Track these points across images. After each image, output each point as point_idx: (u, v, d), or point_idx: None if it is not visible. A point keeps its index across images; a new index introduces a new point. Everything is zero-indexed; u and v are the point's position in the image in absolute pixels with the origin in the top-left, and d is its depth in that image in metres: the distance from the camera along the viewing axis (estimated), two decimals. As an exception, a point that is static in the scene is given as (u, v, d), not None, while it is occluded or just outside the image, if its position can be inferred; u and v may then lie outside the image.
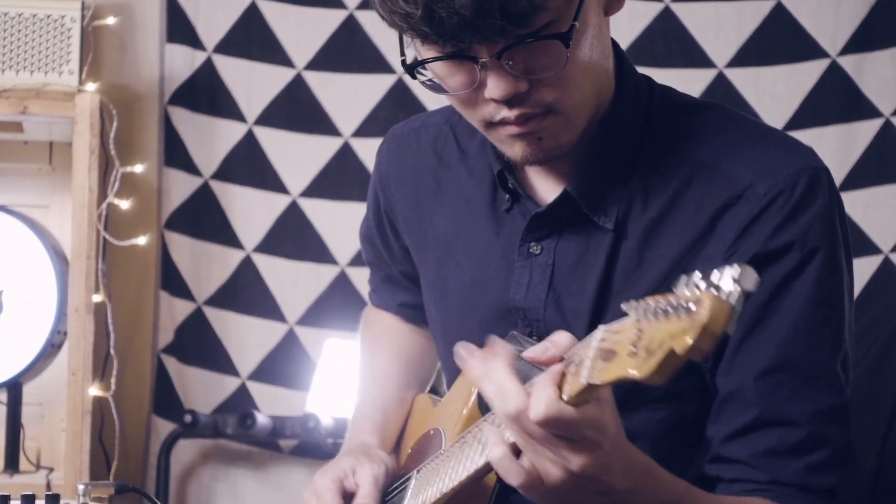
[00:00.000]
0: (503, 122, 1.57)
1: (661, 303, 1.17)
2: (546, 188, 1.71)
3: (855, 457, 1.61)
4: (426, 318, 1.98)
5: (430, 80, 1.57)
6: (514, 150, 1.62)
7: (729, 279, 1.13)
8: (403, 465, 1.88)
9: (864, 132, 3.44)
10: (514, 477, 1.40)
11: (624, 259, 1.65)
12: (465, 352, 1.45)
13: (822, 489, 1.57)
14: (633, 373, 1.19)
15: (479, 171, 1.80)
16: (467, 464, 1.54)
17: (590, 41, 1.55)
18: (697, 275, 1.16)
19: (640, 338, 1.19)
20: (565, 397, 1.31)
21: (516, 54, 1.50)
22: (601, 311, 1.66)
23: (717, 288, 1.14)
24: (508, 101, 1.54)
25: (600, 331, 1.29)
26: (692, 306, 1.13)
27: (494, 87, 1.53)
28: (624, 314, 1.62)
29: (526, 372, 1.69)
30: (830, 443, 1.57)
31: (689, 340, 1.13)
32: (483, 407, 1.70)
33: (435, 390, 2.09)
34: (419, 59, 1.55)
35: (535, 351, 1.40)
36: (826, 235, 1.59)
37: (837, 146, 3.42)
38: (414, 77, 1.57)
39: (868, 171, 3.41)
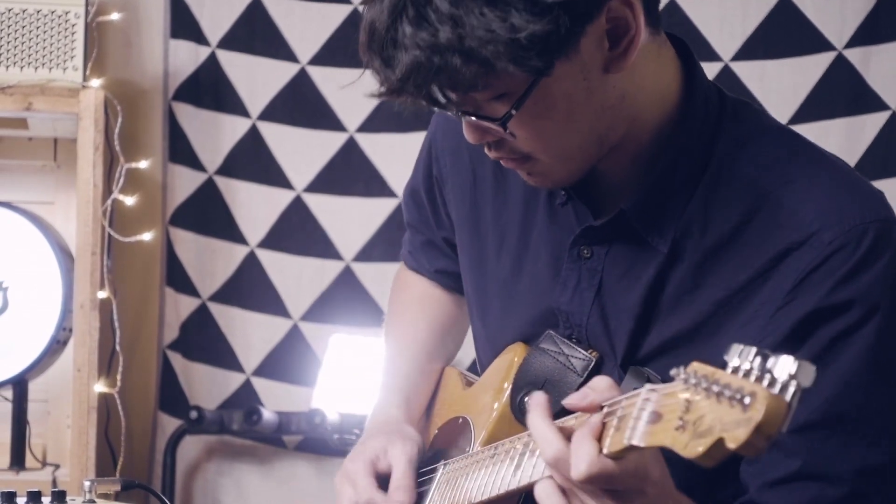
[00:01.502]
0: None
1: (712, 380, 1.14)
2: (600, 192, 1.66)
3: None
4: (461, 286, 1.94)
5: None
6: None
7: (786, 371, 1.09)
8: (430, 445, 1.88)
9: (870, 125, 3.43)
10: None
11: (675, 282, 1.60)
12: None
13: None
14: (680, 450, 1.16)
15: None
16: (499, 482, 1.54)
17: (565, 107, 1.50)
18: (752, 350, 1.12)
19: (688, 411, 1.16)
20: (605, 451, 1.29)
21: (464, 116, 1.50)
22: (645, 329, 1.62)
23: (772, 376, 1.10)
24: (486, 144, 1.54)
25: (646, 389, 1.26)
26: (747, 399, 1.10)
27: (466, 133, 1.54)
28: (662, 345, 1.61)
29: (561, 375, 1.68)
30: (871, 500, 1.53)
31: (742, 437, 1.10)
32: (515, 408, 1.69)
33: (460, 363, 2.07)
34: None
35: (575, 398, 1.38)
36: (888, 293, 1.52)
37: (843, 139, 3.41)
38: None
39: (874, 164, 3.40)
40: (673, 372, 1.20)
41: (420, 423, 1.94)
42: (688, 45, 1.64)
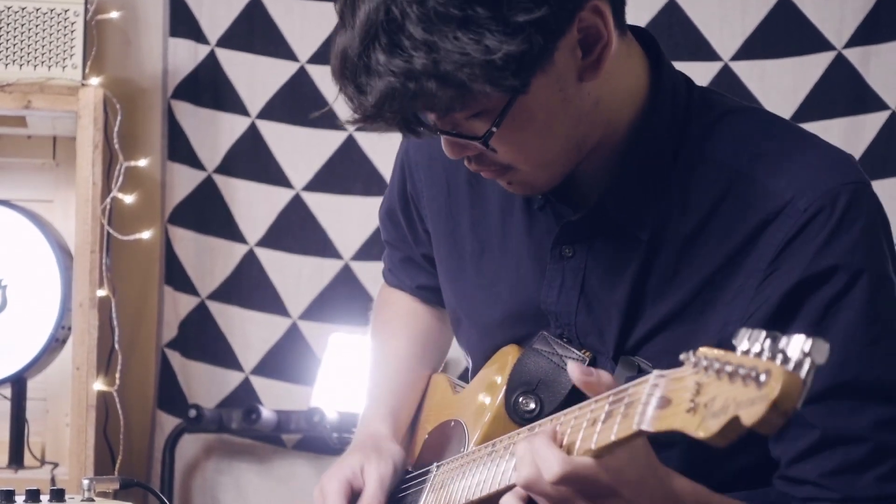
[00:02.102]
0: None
1: (724, 362, 1.14)
2: (579, 192, 1.68)
3: None
4: (442, 300, 1.96)
5: None
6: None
7: (798, 349, 1.09)
8: (420, 450, 1.88)
9: (869, 125, 3.43)
10: None
11: (658, 269, 1.62)
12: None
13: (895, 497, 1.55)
14: (692, 431, 1.16)
15: None
16: (499, 477, 1.54)
17: (543, 118, 1.51)
18: (762, 333, 1.12)
19: (699, 393, 1.16)
20: (615, 437, 1.29)
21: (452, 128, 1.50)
22: (633, 320, 1.63)
23: (785, 355, 1.09)
24: (465, 158, 1.55)
25: (654, 375, 1.26)
26: (762, 377, 1.09)
27: (445, 148, 1.54)
28: (653, 329, 1.62)
29: (554, 375, 1.68)
30: None
31: (759, 414, 1.09)
32: (510, 409, 1.69)
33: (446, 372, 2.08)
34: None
35: (579, 370, 1.39)
36: (870, 254, 1.54)
37: (843, 139, 3.41)
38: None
39: (874, 164, 3.40)
40: (682, 357, 1.20)
41: (406, 434, 1.95)
42: (651, 34, 1.66)
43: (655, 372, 1.26)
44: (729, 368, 1.13)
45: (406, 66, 1.40)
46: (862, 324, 1.53)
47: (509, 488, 1.51)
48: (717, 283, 1.59)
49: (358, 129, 1.55)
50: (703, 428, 1.14)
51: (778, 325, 1.53)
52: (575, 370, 1.39)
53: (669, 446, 1.42)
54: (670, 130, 1.62)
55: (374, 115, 1.45)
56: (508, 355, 1.75)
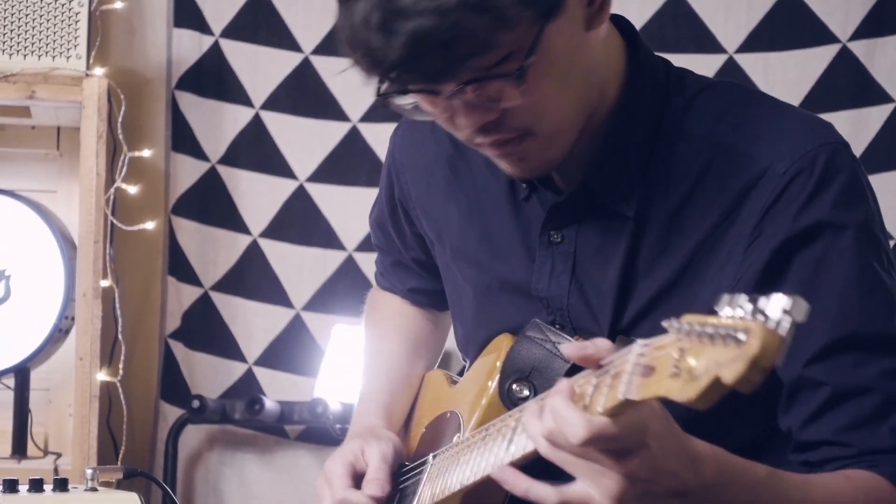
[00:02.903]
0: (483, 145, 1.57)
1: (705, 325, 1.14)
2: (564, 176, 1.69)
3: None
4: (434, 302, 1.99)
5: (410, 105, 1.55)
6: (502, 167, 1.62)
7: (779, 308, 1.10)
8: (417, 445, 1.88)
9: (874, 117, 3.43)
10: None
11: (647, 245, 1.64)
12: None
13: None
14: (675, 395, 1.16)
15: None
16: (492, 458, 1.53)
17: (563, 64, 1.51)
18: (743, 296, 1.13)
19: (682, 358, 1.16)
20: (600, 409, 1.29)
21: (477, 87, 1.47)
22: (625, 299, 1.65)
23: (766, 315, 1.10)
24: (482, 128, 1.53)
25: (638, 344, 1.27)
26: (741, 336, 1.10)
27: (462, 118, 1.52)
28: (646, 306, 1.63)
29: (548, 361, 1.69)
30: None
31: (739, 371, 1.09)
32: (504, 396, 1.69)
33: (444, 369, 2.08)
34: (386, 91, 1.53)
35: (573, 347, 1.38)
36: (852, 209, 1.58)
37: (848, 132, 3.38)
38: (388, 107, 1.56)
39: (878, 157, 3.40)
40: (665, 324, 1.21)
41: (402, 431, 1.96)
42: (628, 20, 1.69)
43: (640, 341, 1.26)
44: (710, 331, 1.13)
45: (438, 3, 1.39)
46: (853, 277, 1.56)
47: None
48: (705, 254, 1.61)
49: (384, 91, 1.51)
50: (685, 392, 1.14)
51: (766, 287, 1.54)
52: (569, 348, 1.39)
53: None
54: (651, 108, 1.65)
55: (400, 65, 1.43)
56: (501, 344, 1.75)
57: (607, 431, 1.29)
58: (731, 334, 1.11)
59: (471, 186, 1.81)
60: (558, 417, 1.32)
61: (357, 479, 1.77)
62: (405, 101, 1.55)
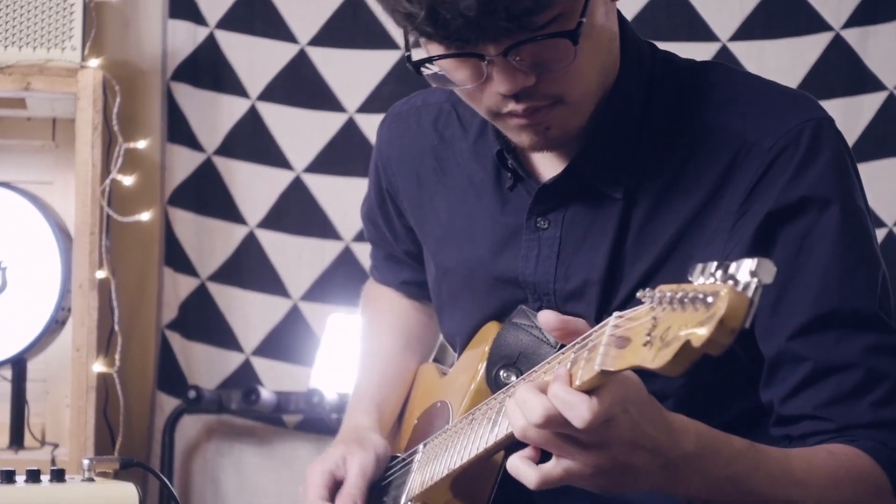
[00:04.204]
0: (511, 114, 1.57)
1: (677, 292, 1.15)
2: (548, 165, 1.71)
3: None
4: (428, 294, 1.98)
5: (435, 73, 1.56)
6: (521, 139, 1.61)
7: (746, 271, 1.11)
8: (410, 436, 1.89)
9: (867, 105, 3.44)
10: (556, 479, 1.39)
11: (635, 227, 1.65)
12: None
13: (894, 421, 1.57)
14: (648, 363, 1.17)
15: (483, 148, 1.79)
16: (477, 441, 1.54)
17: (597, 30, 1.54)
18: (713, 264, 1.14)
19: (656, 326, 1.18)
20: (578, 382, 1.30)
21: (523, 50, 1.48)
22: (613, 281, 1.66)
23: (735, 280, 1.11)
24: (516, 95, 1.53)
25: (614, 317, 1.28)
26: (710, 299, 1.11)
27: (501, 82, 1.52)
28: (635, 289, 1.64)
29: (534, 347, 1.70)
30: (889, 376, 1.57)
31: (706, 333, 1.11)
32: (491, 382, 1.70)
33: (439, 362, 2.09)
34: (425, 55, 1.54)
35: (552, 316, 1.40)
36: (838, 184, 1.59)
37: (841, 120, 3.38)
38: (419, 73, 1.56)
39: (872, 145, 3.41)
40: (639, 294, 1.22)
41: (395, 425, 1.97)
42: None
43: (616, 314, 1.28)
44: (680, 297, 1.14)
45: None
46: (837, 253, 1.57)
47: (488, 451, 1.52)
48: (694, 232, 1.62)
49: (442, 53, 1.51)
50: (658, 359, 1.16)
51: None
52: (547, 315, 1.40)
53: (663, 399, 1.43)
54: (638, 90, 1.66)
55: (476, 20, 1.43)
56: (489, 332, 1.76)
57: (602, 410, 1.30)
58: (700, 298, 1.12)
59: (456, 177, 1.82)
60: (562, 400, 1.32)
61: (336, 487, 1.79)
62: (432, 68, 1.55)
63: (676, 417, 1.42)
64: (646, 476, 1.39)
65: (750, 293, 1.11)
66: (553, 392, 1.32)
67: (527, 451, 1.40)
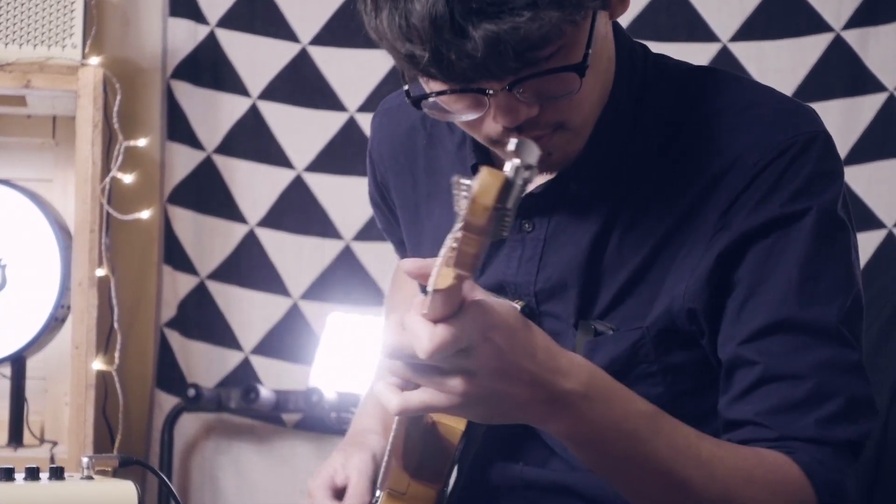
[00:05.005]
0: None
1: (460, 186, 1.14)
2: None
3: (876, 410, 1.57)
4: None
5: (433, 104, 1.54)
6: None
7: (511, 154, 1.11)
8: None
9: (867, 106, 3.43)
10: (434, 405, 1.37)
11: (616, 235, 1.63)
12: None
13: (838, 442, 1.53)
14: (444, 275, 1.18)
15: (464, 156, 1.78)
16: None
17: (599, 54, 1.53)
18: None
19: (456, 239, 1.17)
20: (424, 310, 1.28)
21: (528, 84, 1.47)
22: (594, 288, 1.65)
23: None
24: (519, 126, 1.52)
25: (449, 239, 1.24)
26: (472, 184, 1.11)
27: (504, 116, 1.50)
28: (616, 295, 1.63)
29: None
30: (840, 394, 1.53)
31: (463, 212, 1.10)
32: None
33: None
34: (425, 90, 1.52)
35: (411, 266, 1.38)
36: (817, 195, 1.56)
37: (841, 120, 3.41)
38: (418, 108, 1.54)
39: (872, 146, 3.41)
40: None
41: None
42: None
43: (450, 235, 1.23)
44: (464, 194, 1.13)
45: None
46: (800, 262, 1.54)
47: (397, 435, 1.53)
48: (675, 241, 1.60)
49: (448, 91, 1.49)
50: (448, 264, 1.17)
51: (725, 270, 1.56)
52: (407, 263, 1.38)
53: (638, 384, 1.44)
54: (629, 97, 1.64)
55: (482, 61, 1.40)
56: None
57: (448, 335, 1.27)
58: (468, 189, 1.12)
59: (445, 176, 1.81)
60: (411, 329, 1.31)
61: (339, 493, 1.79)
62: (431, 99, 1.53)
63: (569, 355, 1.40)
64: (526, 407, 1.37)
65: (507, 169, 1.10)
66: (405, 322, 1.31)
67: (395, 378, 1.39)
